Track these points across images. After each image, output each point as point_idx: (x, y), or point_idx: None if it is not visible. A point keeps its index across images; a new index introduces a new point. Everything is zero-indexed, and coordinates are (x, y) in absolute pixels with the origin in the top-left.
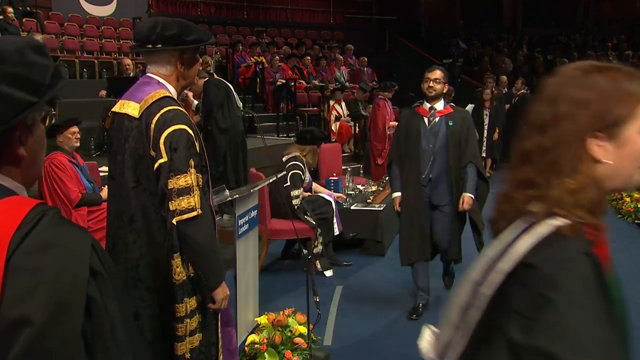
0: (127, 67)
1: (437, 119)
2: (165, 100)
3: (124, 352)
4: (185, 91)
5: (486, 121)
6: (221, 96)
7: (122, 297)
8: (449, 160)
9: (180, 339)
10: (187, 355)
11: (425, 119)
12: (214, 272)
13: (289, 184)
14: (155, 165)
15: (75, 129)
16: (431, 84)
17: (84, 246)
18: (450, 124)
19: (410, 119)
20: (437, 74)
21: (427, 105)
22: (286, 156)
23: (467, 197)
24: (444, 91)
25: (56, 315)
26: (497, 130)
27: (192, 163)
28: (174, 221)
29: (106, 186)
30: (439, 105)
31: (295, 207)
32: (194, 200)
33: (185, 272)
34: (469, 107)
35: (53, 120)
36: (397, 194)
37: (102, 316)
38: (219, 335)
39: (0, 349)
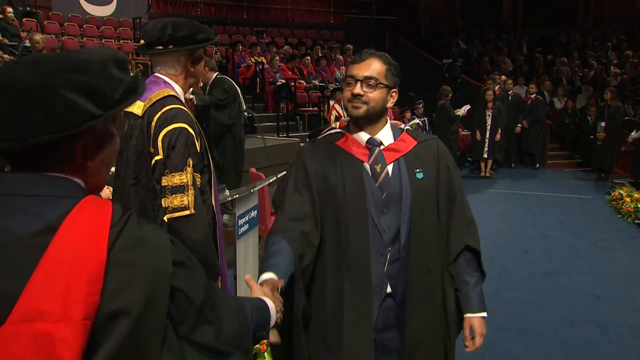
0: None
1: (389, 167)
2: (169, 99)
3: (210, 323)
4: None
5: (489, 122)
6: (229, 98)
7: (202, 278)
8: (426, 254)
9: None
10: None
11: (366, 166)
12: (206, 269)
13: None
14: (152, 162)
15: None
16: (358, 89)
17: (166, 242)
18: (420, 175)
19: (336, 164)
20: (373, 66)
21: (362, 135)
22: None
23: (478, 321)
24: (388, 105)
25: (149, 306)
26: (500, 131)
27: (190, 162)
28: (165, 218)
29: (106, 186)
30: (385, 134)
31: None
32: (187, 199)
33: None
34: (465, 108)
35: None
36: (269, 276)
37: (189, 301)
38: None
39: (99, 338)
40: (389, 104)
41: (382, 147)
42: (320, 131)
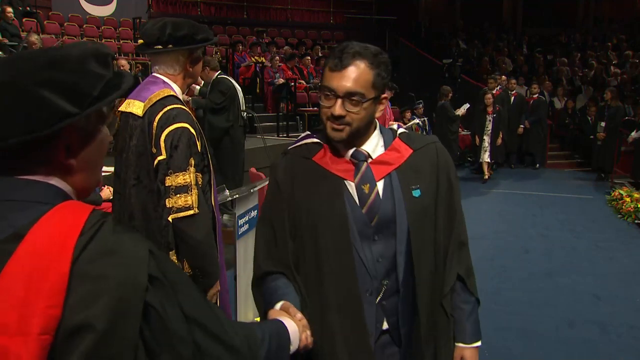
0: (122, 68)
1: (379, 184)
2: (169, 99)
3: (189, 347)
4: None
5: (489, 127)
6: (226, 101)
7: (191, 294)
8: (432, 285)
9: None
10: None
11: (351, 186)
12: (209, 269)
13: None
14: (155, 162)
15: None
16: (339, 109)
17: (143, 253)
18: (416, 193)
19: (311, 187)
20: (358, 76)
21: (345, 149)
22: None
23: (470, 353)
24: (377, 115)
25: (116, 322)
26: (501, 135)
27: (192, 162)
28: (169, 218)
29: (106, 186)
30: (373, 143)
31: None
32: (191, 198)
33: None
34: (465, 107)
35: None
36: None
37: (162, 320)
38: None
39: (61, 353)
40: (378, 114)
41: (368, 158)
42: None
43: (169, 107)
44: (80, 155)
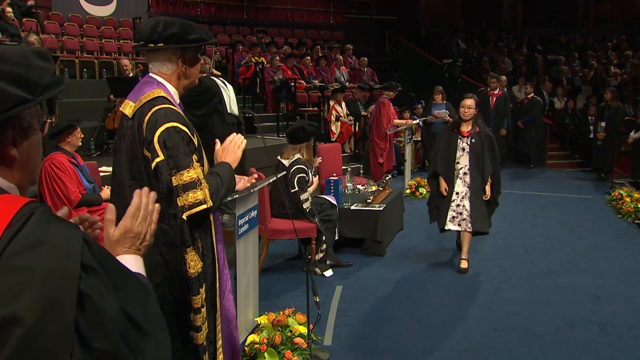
0: (125, 67)
1: None
2: (159, 99)
3: (129, 338)
4: None
5: (466, 163)
6: (198, 98)
7: (127, 286)
8: None
9: (198, 329)
10: (205, 343)
11: None
12: (228, 193)
13: (297, 189)
14: (153, 165)
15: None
16: None
17: (75, 242)
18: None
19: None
20: None
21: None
22: (287, 160)
23: None
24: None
25: (47, 313)
26: (489, 181)
27: (195, 157)
28: (184, 216)
29: (106, 186)
30: None
31: (307, 210)
32: (201, 193)
33: (199, 264)
34: (443, 113)
35: (53, 122)
36: None
37: (97, 309)
38: (218, 334)
39: None
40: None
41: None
42: (300, 129)
43: (156, 108)
44: (22, 149)
